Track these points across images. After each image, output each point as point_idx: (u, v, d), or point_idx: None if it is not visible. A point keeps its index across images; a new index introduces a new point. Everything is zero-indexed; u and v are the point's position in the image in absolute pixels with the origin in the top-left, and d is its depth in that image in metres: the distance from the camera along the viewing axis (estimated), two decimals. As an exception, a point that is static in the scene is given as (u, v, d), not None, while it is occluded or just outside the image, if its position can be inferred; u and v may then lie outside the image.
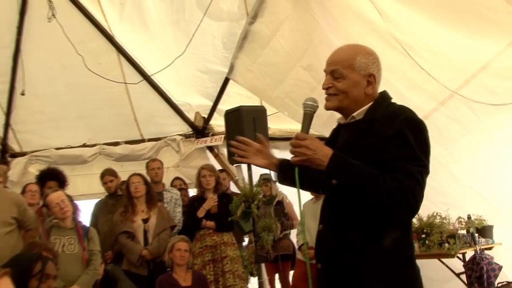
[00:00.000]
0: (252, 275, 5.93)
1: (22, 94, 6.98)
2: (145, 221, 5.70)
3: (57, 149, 7.85)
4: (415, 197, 1.97)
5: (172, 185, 6.94)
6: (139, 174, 5.94)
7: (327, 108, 2.27)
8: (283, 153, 6.46)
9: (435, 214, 5.18)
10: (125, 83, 7.08)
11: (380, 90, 2.29)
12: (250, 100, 6.27)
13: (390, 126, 2.09)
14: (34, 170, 7.57)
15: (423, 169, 2.04)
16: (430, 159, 2.10)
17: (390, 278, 2.07)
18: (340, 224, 2.17)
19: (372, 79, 2.23)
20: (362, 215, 2.09)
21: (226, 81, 6.64)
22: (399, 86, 4.91)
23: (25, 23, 6.46)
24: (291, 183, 2.44)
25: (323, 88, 2.27)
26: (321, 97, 2.30)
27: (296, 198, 2.30)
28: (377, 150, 2.07)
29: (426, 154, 2.08)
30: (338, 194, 2.13)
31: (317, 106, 2.24)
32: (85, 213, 6.32)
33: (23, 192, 5.88)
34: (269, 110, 5.86)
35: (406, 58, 4.78)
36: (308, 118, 2.23)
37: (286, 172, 2.48)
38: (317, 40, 5.22)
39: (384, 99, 2.27)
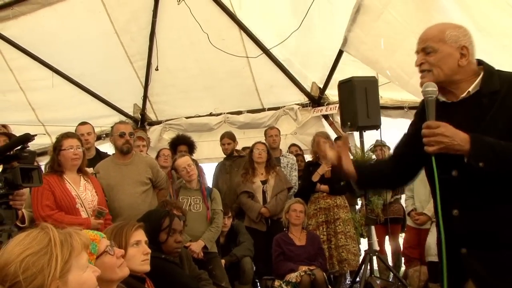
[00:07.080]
0: (363, 236, 6.01)
1: (156, 69, 7.47)
2: (264, 182, 6.01)
3: (187, 118, 8.33)
4: None
5: (289, 151, 7.18)
6: (263, 143, 6.26)
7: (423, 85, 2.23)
8: (396, 121, 6.58)
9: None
10: (246, 57, 7.30)
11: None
12: (363, 71, 6.21)
13: None
14: (168, 137, 8.17)
15: None
16: None
17: None
18: (481, 203, 2.11)
19: (465, 51, 2.17)
20: (505, 188, 2.07)
21: (340, 53, 6.65)
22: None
23: (159, 6, 6.84)
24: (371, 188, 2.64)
25: (416, 65, 2.24)
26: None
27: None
28: (507, 120, 2.05)
29: None
30: (481, 174, 2.04)
31: (437, 90, 2.17)
32: (210, 175, 6.95)
33: (158, 156, 6.37)
34: (382, 80, 5.89)
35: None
36: (432, 105, 2.14)
37: (367, 178, 2.54)
38: (432, 9, 5.10)
39: (492, 68, 2.21)
